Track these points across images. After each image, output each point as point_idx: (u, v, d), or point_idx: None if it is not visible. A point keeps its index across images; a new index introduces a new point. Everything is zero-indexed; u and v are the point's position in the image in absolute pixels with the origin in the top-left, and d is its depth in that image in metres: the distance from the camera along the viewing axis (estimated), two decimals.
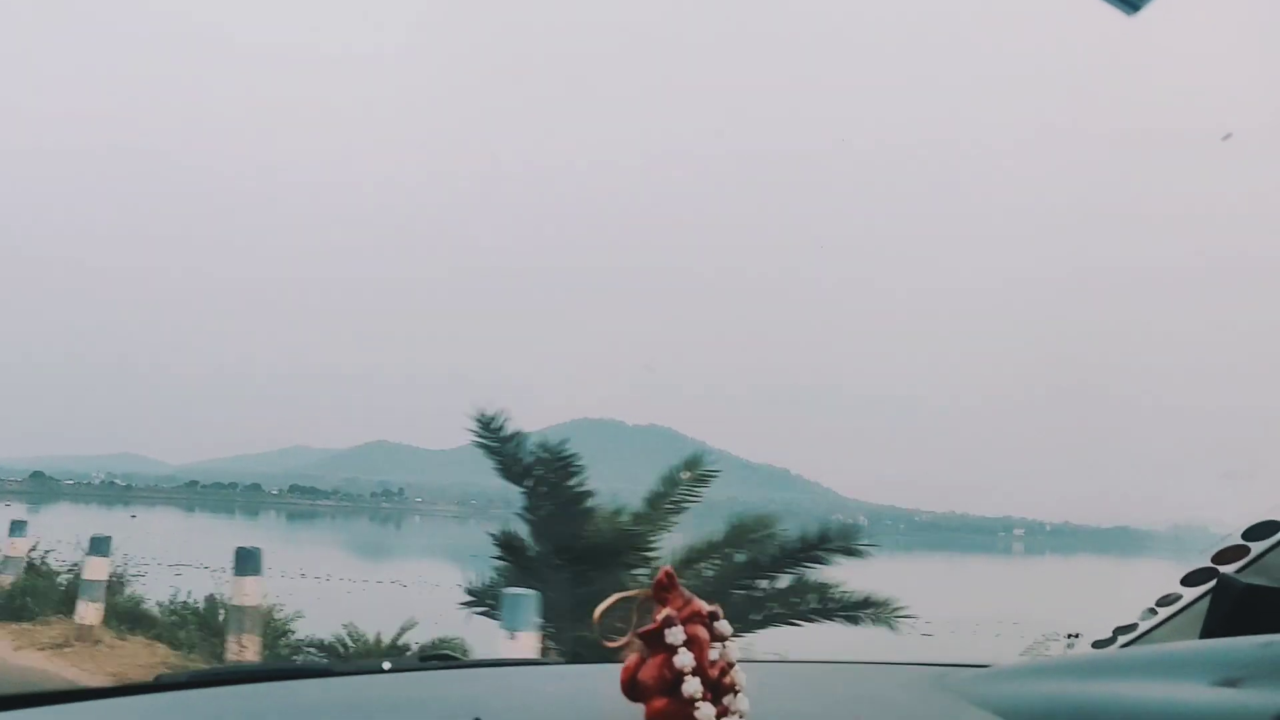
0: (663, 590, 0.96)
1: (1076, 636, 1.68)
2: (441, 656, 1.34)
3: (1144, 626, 1.49)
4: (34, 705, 0.95)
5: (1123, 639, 1.51)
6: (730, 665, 0.95)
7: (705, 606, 0.97)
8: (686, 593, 0.97)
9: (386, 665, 1.27)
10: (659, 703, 0.92)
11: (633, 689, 0.95)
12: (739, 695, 0.94)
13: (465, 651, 5.74)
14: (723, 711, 0.92)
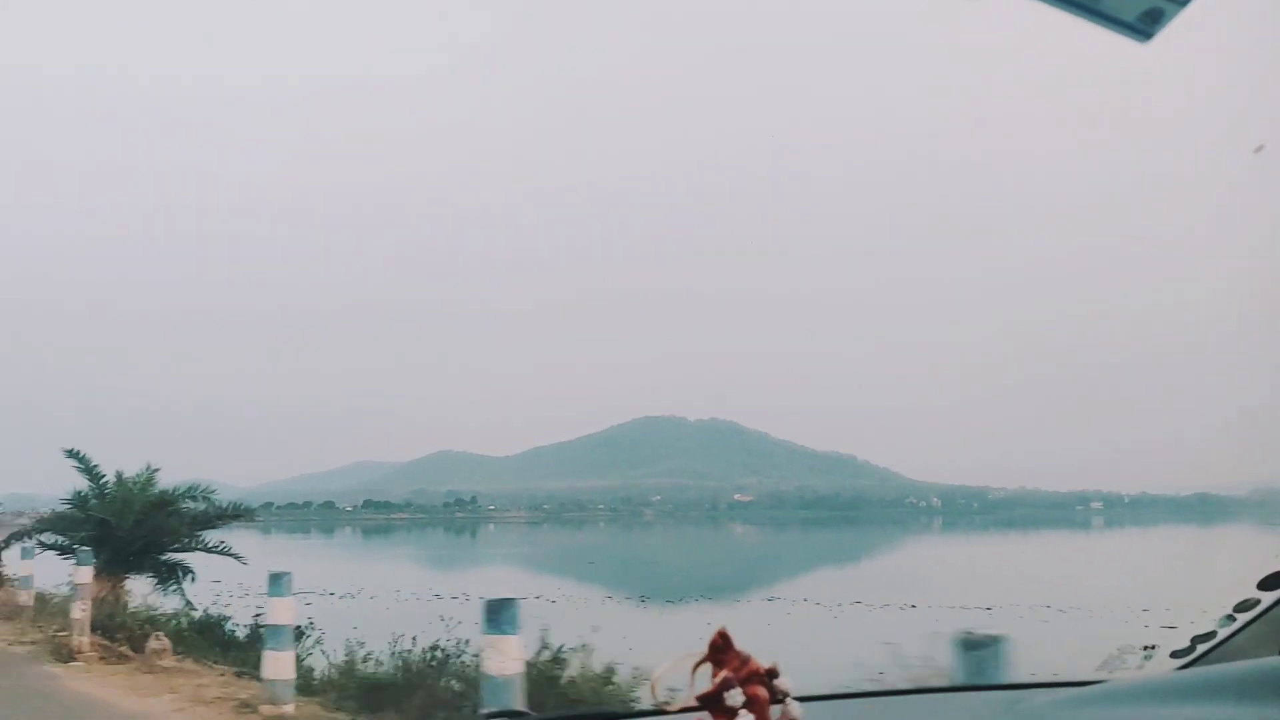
0: (718, 651, 0.96)
1: (1153, 649, 1.63)
2: (512, 714, 1.33)
3: (1223, 634, 1.45)
4: None
5: (1201, 648, 1.47)
6: None
7: (762, 665, 0.97)
8: (743, 652, 0.97)
9: None
10: None
11: None
12: None
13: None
14: None
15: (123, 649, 9.34)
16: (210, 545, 12.97)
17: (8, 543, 13.14)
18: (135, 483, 13.07)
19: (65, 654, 9.16)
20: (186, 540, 12.83)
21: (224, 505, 13.81)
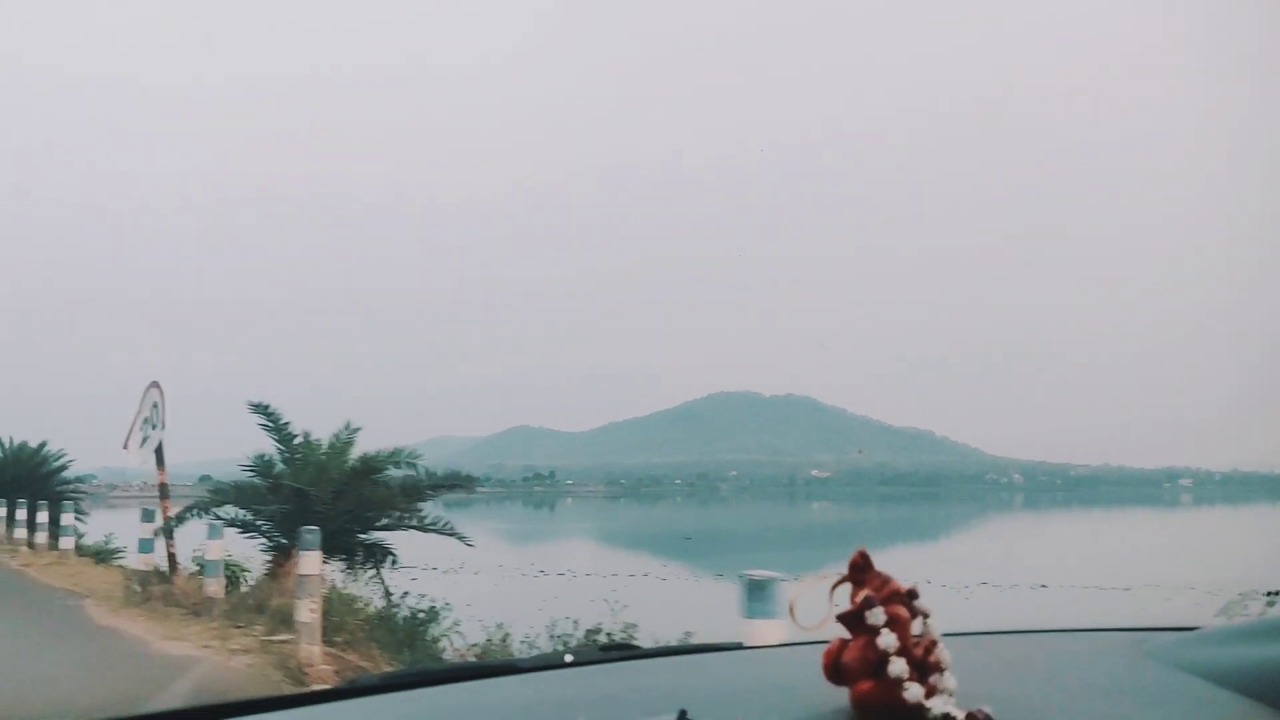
0: (858, 571, 0.95)
1: (1276, 594, 1.57)
2: (622, 646, 1.35)
3: None
4: (236, 715, 0.98)
5: None
6: (934, 643, 0.93)
7: (903, 585, 0.95)
8: (883, 572, 0.95)
9: (569, 658, 1.28)
10: (865, 685, 0.91)
11: (836, 672, 0.94)
12: (945, 673, 0.92)
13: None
14: (931, 690, 0.90)
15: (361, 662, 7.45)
16: (427, 521, 10.43)
17: (181, 519, 10.91)
18: (334, 444, 10.86)
19: (295, 670, 6.79)
20: (400, 514, 10.40)
21: (436, 472, 11.35)
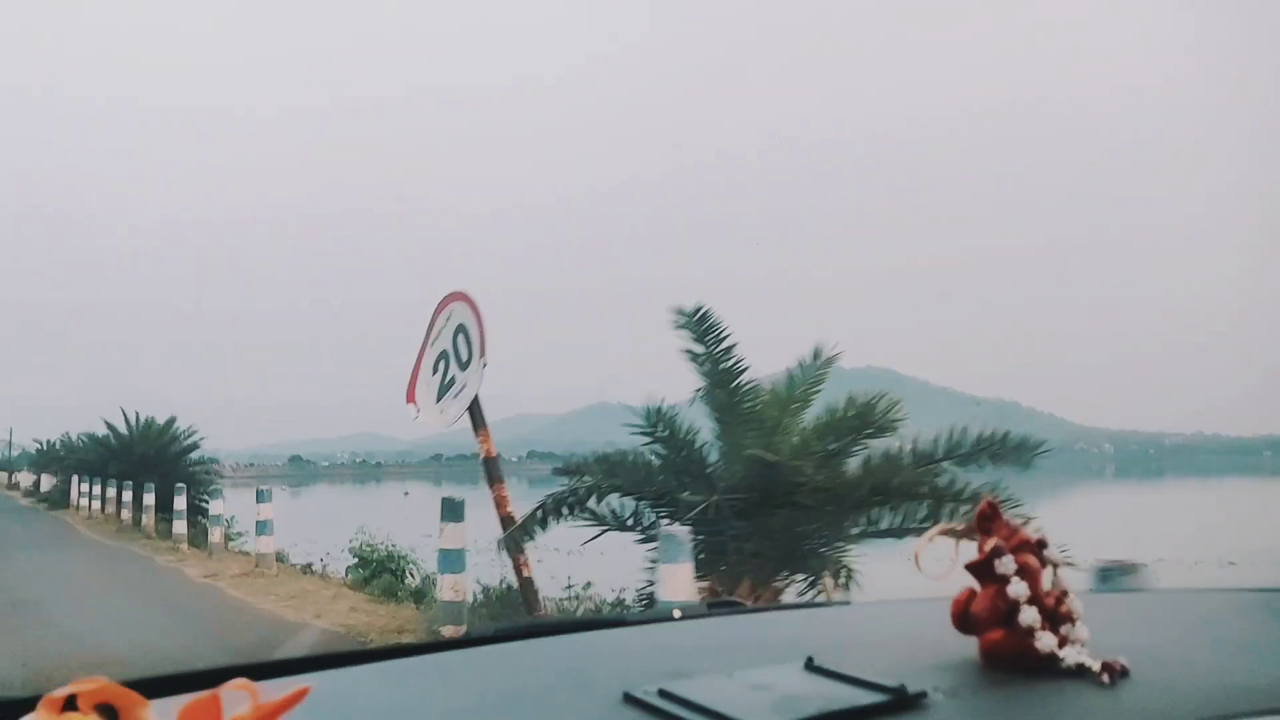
0: (986, 520, 0.93)
1: None
2: (729, 603, 1.35)
3: None
4: (352, 664, 1.01)
5: None
6: (1065, 593, 0.91)
7: (1032, 534, 0.93)
8: (1012, 521, 0.93)
9: (677, 613, 1.29)
10: (995, 634, 0.90)
11: (964, 621, 0.93)
12: (1077, 623, 0.90)
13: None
14: (1062, 640, 0.89)
15: None
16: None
17: (543, 518, 6.59)
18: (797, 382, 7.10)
19: None
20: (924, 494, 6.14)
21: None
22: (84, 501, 21.13)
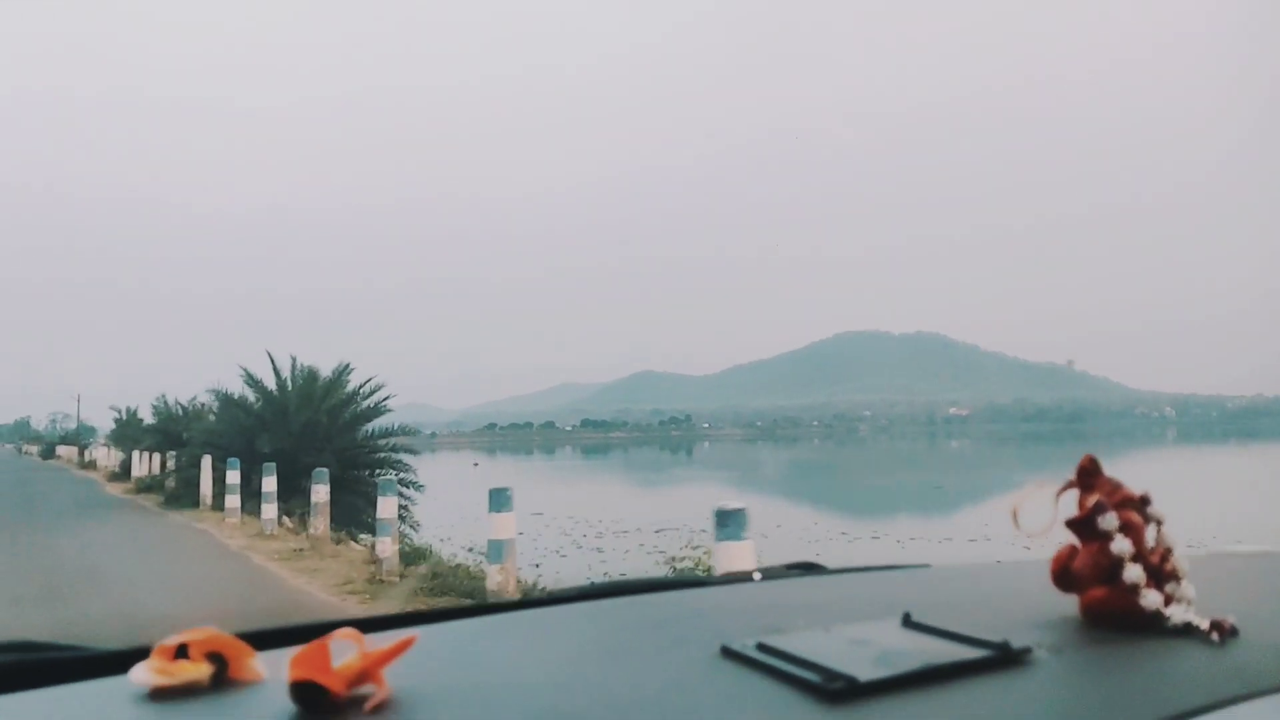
0: (1087, 476, 0.91)
1: None
2: (806, 566, 1.34)
3: None
4: (454, 619, 1.03)
5: None
6: (1169, 550, 0.89)
7: (1135, 492, 0.91)
8: (1114, 478, 0.91)
9: (758, 575, 1.28)
10: (1097, 592, 0.88)
11: (1065, 579, 0.91)
12: (1183, 582, 0.88)
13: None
14: (1168, 598, 0.87)
15: None
16: None
17: None
18: None
19: None
20: None
21: None
22: (215, 496, 14.95)
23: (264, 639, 0.85)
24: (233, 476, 13.83)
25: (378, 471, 15.34)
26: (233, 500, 13.76)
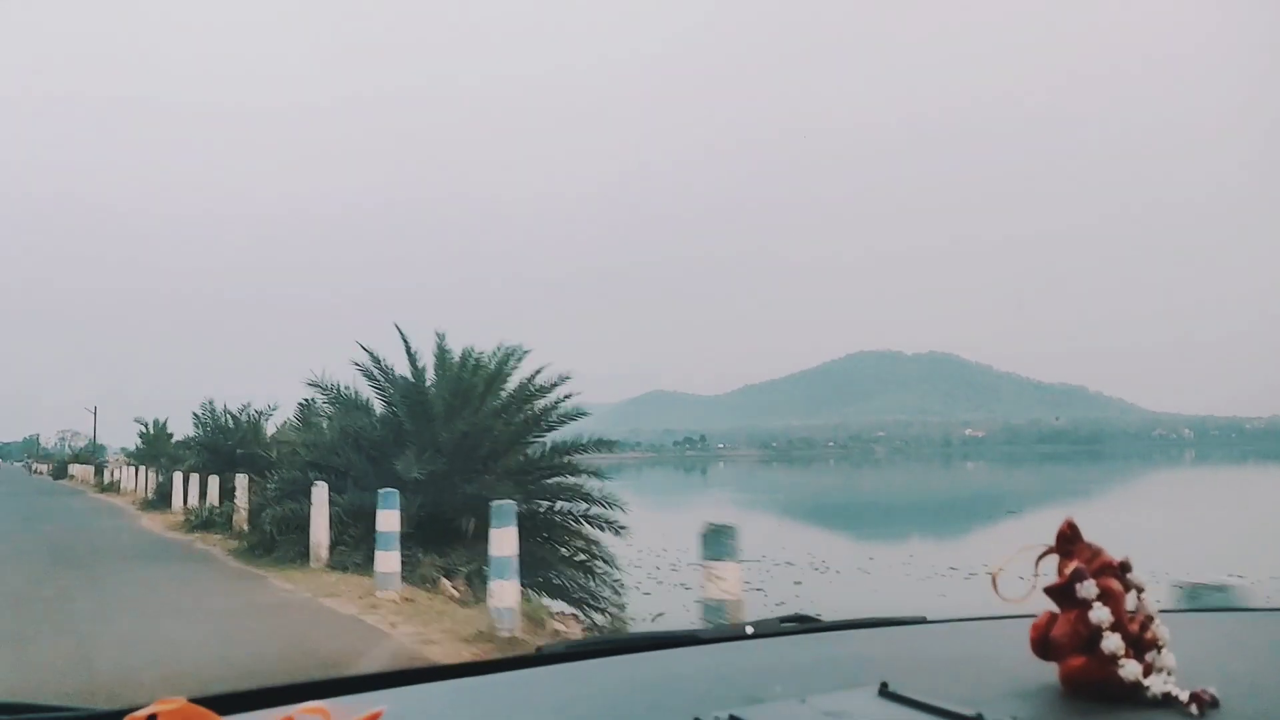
0: (1066, 542, 0.91)
1: None
2: (800, 619, 1.33)
3: None
4: (423, 681, 1.02)
5: None
6: (1150, 619, 0.88)
7: (1114, 558, 0.90)
8: (1094, 544, 0.90)
9: (749, 629, 1.27)
10: (1076, 661, 0.87)
11: (1044, 647, 0.90)
12: (1163, 650, 0.87)
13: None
14: (1148, 668, 0.86)
15: None
16: None
17: None
18: None
19: None
20: None
21: None
22: (333, 546, 9.88)
23: (229, 703, 0.85)
24: (389, 520, 8.28)
25: (560, 505, 10.78)
26: (388, 560, 8.18)
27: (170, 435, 28.69)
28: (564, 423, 11.39)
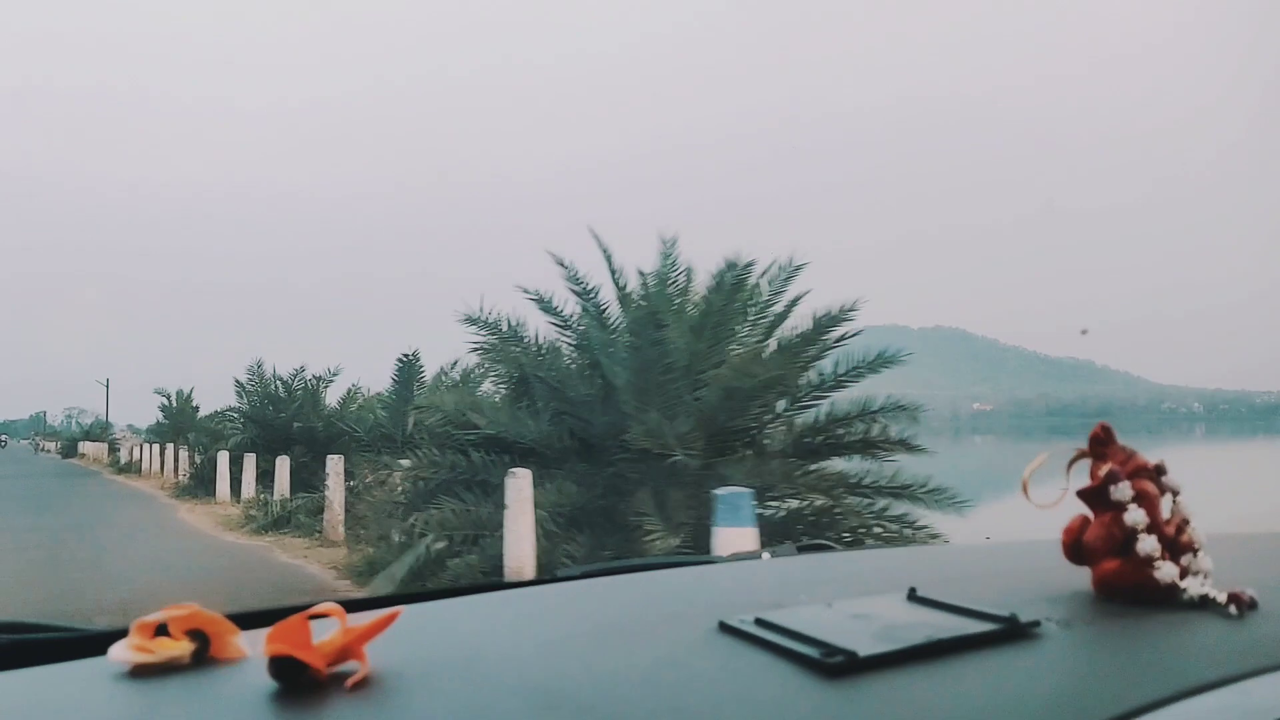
0: (1099, 445, 0.88)
1: None
2: (818, 546, 1.32)
3: None
4: (441, 598, 1.01)
5: None
6: (1185, 521, 0.86)
7: (1149, 460, 0.87)
8: (1127, 446, 0.88)
9: (766, 555, 1.26)
10: (1110, 564, 0.84)
11: (1076, 552, 0.88)
12: (1199, 553, 0.85)
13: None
14: (1184, 571, 0.83)
15: None
16: None
17: None
18: None
19: None
20: None
21: None
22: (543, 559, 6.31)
23: (249, 619, 0.84)
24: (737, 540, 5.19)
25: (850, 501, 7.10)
26: None
27: (196, 408, 24.89)
28: (861, 376, 7.64)
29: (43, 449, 61.30)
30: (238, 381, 17.27)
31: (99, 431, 49.04)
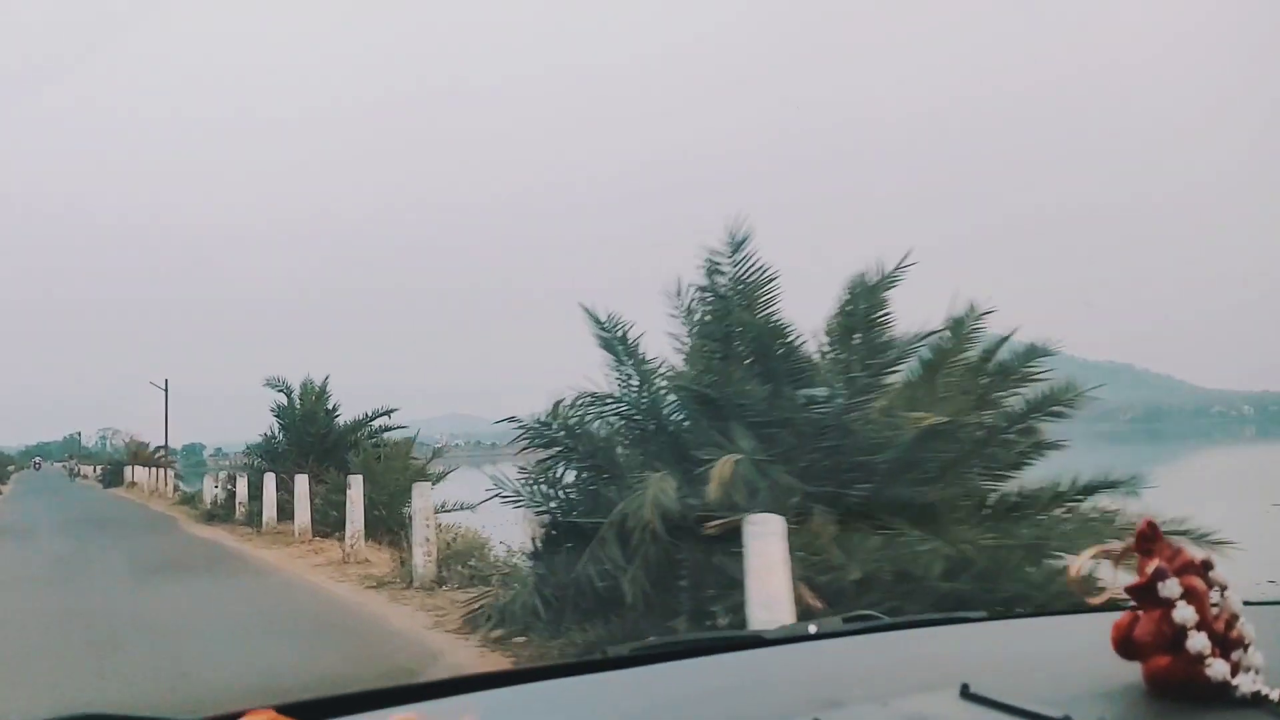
0: (1146, 541, 0.89)
1: None
2: (864, 618, 1.31)
3: None
4: (489, 687, 1.01)
5: None
6: (1235, 617, 0.87)
7: (1197, 555, 0.89)
8: (1174, 542, 0.89)
9: (812, 629, 1.25)
10: (1161, 661, 0.86)
11: (1127, 648, 0.89)
12: (1250, 648, 0.86)
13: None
14: (1235, 667, 0.84)
15: None
16: None
17: None
18: None
19: None
20: None
21: None
22: None
23: (317, 709, 0.86)
24: None
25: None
26: None
27: (334, 411, 15.83)
28: (1061, 416, 6.05)
29: (79, 474, 49.32)
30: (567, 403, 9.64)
31: (152, 454, 36.90)
